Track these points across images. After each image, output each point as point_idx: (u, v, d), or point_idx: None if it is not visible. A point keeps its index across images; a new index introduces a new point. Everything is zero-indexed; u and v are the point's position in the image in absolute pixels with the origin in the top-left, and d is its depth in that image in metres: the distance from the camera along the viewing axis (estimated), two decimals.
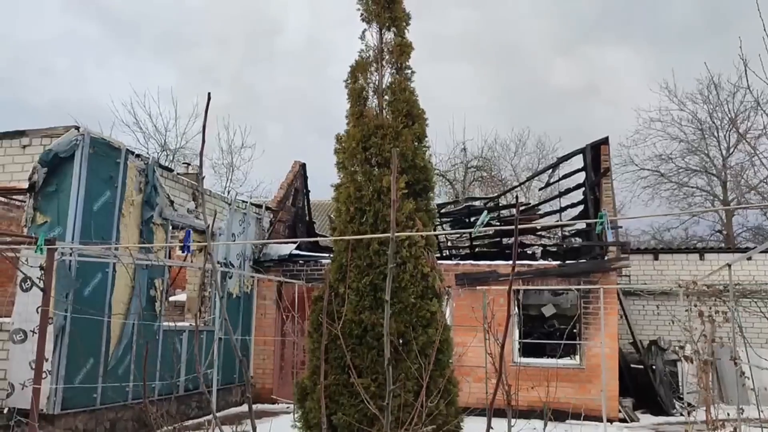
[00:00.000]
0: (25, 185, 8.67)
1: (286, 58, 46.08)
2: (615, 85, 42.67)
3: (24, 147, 8.90)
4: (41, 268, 6.09)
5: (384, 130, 6.57)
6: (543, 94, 43.20)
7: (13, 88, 38.92)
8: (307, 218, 17.61)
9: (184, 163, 21.19)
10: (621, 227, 17.08)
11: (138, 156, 9.98)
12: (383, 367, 6.12)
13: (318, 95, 47.10)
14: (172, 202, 10.67)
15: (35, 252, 5.71)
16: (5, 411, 8.14)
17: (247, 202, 13.82)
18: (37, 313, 8.17)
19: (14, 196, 12.40)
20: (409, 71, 7.08)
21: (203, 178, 2.75)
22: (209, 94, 1.97)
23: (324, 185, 18.47)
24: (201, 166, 2.47)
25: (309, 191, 17.47)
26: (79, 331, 8.55)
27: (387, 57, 7.08)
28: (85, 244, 8.53)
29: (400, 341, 6.07)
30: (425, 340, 6.15)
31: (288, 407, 12.22)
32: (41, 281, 6.77)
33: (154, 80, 42.74)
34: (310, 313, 6.49)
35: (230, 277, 12.64)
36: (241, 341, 13.02)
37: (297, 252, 14.40)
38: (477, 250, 16.34)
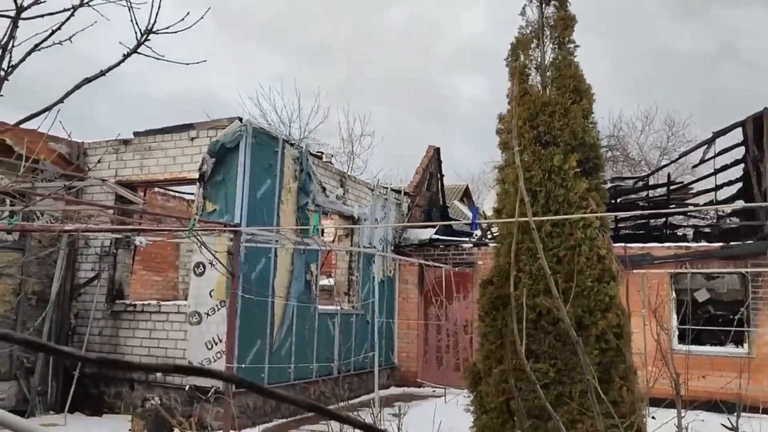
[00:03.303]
0: (195, 175, 9.18)
1: (390, 37, 46.17)
2: (753, 47, 39.12)
3: (192, 139, 9.40)
4: (229, 251, 6.41)
5: (552, 107, 6.34)
6: (667, 63, 40.41)
7: (138, 81, 41.81)
8: (441, 202, 17.56)
9: (318, 152, 21.82)
10: None
11: (292, 145, 10.29)
12: (561, 352, 5.93)
13: (420, 76, 46.74)
14: (324, 189, 10.95)
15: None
16: (187, 388, 8.72)
17: (387, 188, 13.96)
18: (210, 296, 8.71)
19: (174, 188, 13.26)
20: (572, 45, 6.80)
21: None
22: None
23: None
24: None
25: (443, 175, 17.41)
26: (248, 314, 8.96)
27: (548, 32, 6.85)
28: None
29: (578, 326, 5.85)
30: (604, 325, 5.88)
31: (434, 390, 12.24)
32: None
33: (266, 68, 44.20)
34: (480, 297, 6.41)
35: (374, 262, 12.84)
36: (386, 325, 13.22)
37: (436, 236, 14.38)
38: (622, 232, 15.61)
